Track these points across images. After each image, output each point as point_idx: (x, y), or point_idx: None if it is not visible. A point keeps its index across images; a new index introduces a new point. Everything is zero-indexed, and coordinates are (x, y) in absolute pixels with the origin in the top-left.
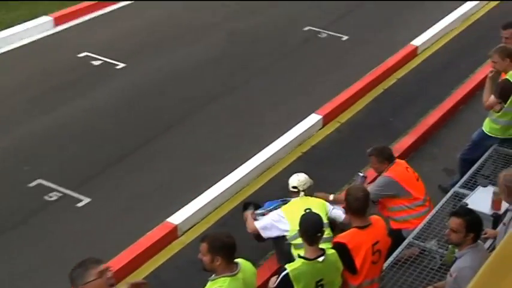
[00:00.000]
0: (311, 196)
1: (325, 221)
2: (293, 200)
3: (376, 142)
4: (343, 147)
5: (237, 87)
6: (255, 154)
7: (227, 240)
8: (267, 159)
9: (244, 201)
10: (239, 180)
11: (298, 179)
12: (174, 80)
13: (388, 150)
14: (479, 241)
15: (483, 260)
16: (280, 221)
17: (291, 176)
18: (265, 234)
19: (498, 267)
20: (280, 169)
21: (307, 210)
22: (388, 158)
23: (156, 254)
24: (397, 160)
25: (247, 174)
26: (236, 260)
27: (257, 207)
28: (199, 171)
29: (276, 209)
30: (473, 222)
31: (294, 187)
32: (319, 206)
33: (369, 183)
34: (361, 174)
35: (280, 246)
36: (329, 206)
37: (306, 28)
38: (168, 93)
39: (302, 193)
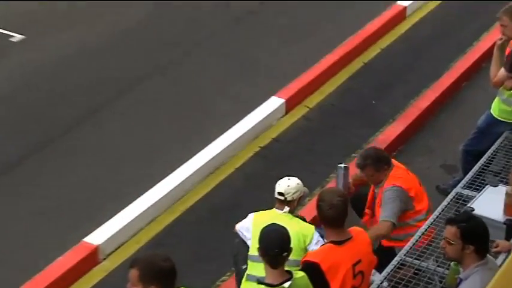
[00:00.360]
0: (300, 218)
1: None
2: (272, 211)
3: (355, 132)
4: (313, 139)
5: (169, 66)
6: (198, 151)
7: (164, 265)
8: (214, 157)
9: None
10: (179, 185)
11: (287, 184)
12: (87, 57)
13: (383, 152)
14: (489, 257)
15: None
16: (247, 230)
17: (246, 178)
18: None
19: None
20: (231, 169)
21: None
22: (387, 162)
23: (71, 285)
24: (394, 162)
25: (189, 177)
26: None
27: None
28: (124, 175)
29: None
30: (470, 231)
31: (280, 193)
32: (300, 231)
33: (354, 186)
34: (342, 166)
35: (238, 272)
36: (315, 238)
37: None
38: (79, 74)
39: (287, 209)
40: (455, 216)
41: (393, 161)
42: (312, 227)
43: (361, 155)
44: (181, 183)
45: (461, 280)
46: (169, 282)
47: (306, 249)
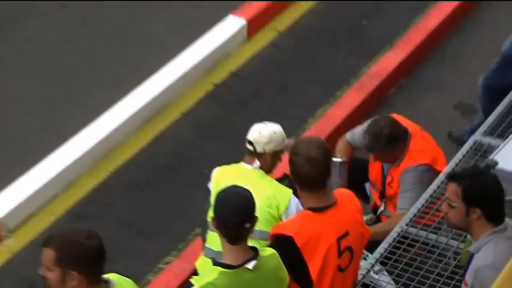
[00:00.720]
0: (273, 179)
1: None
2: (239, 166)
3: (340, 62)
4: (284, 73)
5: None
6: (131, 91)
7: (88, 244)
8: (153, 99)
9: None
10: (105, 137)
11: (259, 131)
12: None
13: (399, 126)
14: (508, 221)
15: None
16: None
17: (195, 126)
18: None
19: None
20: (176, 115)
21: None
22: (404, 139)
23: None
24: (412, 127)
25: (119, 126)
26: (106, 276)
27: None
28: (32, 127)
29: None
30: (475, 189)
31: (249, 142)
32: (273, 194)
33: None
34: (339, 160)
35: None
36: (292, 202)
37: None
38: None
39: (257, 164)
40: (459, 171)
41: (413, 126)
42: (289, 191)
43: (370, 131)
44: (109, 134)
45: (472, 255)
46: (96, 266)
47: (279, 219)
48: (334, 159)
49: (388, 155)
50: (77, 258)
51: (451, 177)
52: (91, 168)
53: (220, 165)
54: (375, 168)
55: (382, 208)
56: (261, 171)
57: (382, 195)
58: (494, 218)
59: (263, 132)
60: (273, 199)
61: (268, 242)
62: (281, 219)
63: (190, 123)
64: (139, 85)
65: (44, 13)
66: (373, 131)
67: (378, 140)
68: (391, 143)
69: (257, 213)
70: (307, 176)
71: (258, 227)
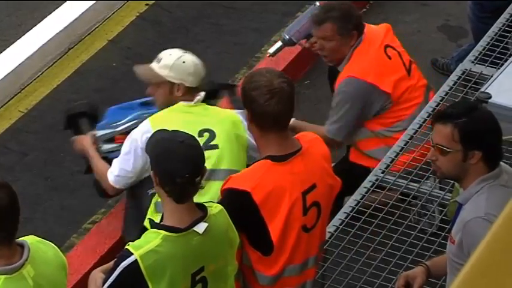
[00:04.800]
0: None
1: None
2: (175, 107)
3: None
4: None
5: None
6: (47, 15)
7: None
8: (72, 23)
9: (67, 113)
10: (15, 69)
11: (194, 63)
12: None
13: (355, 10)
14: (504, 166)
15: None
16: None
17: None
18: (122, 181)
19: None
20: (103, 42)
21: (205, 134)
22: (357, 27)
23: None
24: (368, 28)
25: (33, 54)
26: (20, 240)
27: (94, 119)
28: None
29: (135, 121)
30: (475, 128)
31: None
32: (228, 123)
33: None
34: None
35: (137, 202)
36: (245, 124)
37: None
38: None
39: (201, 95)
40: (448, 109)
41: (369, 27)
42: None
43: (323, 5)
44: (20, 67)
45: (460, 206)
46: (8, 225)
47: (247, 142)
48: (316, 2)
49: (335, 43)
50: None
51: (441, 117)
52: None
53: None
54: None
55: None
56: (204, 104)
57: None
58: (493, 160)
59: (196, 62)
60: (239, 123)
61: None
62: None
63: (117, 51)
64: (58, 7)
65: None
66: (325, 3)
67: (327, 11)
68: (342, 20)
69: (232, 147)
70: (273, 111)
71: (227, 165)
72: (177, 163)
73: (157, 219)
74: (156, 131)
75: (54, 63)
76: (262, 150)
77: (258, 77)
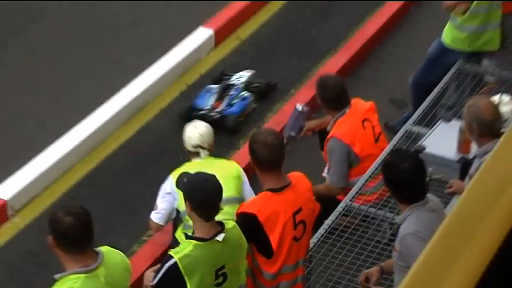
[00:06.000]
0: (217, 157)
1: (233, 194)
2: (191, 163)
3: (293, 65)
4: None
5: None
6: (117, 90)
7: (66, 221)
8: (136, 97)
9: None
10: (96, 130)
11: (198, 133)
12: None
13: (339, 82)
14: (431, 197)
15: (437, 223)
16: (169, 193)
17: (172, 119)
18: (159, 218)
19: (451, 236)
20: (156, 110)
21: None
22: (338, 102)
23: None
24: (354, 101)
25: (108, 120)
26: (97, 249)
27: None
28: (33, 121)
29: None
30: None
31: (197, 146)
32: (230, 172)
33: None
34: (300, 107)
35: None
36: (244, 175)
37: None
38: None
39: (206, 152)
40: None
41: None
42: (234, 162)
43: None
44: (99, 127)
45: (399, 225)
46: (82, 239)
47: (242, 184)
48: (297, 105)
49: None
50: (63, 232)
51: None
52: (85, 156)
53: None
54: None
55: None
56: (211, 157)
57: None
58: (409, 200)
59: (202, 132)
60: (238, 169)
61: (237, 206)
62: (242, 183)
63: (167, 117)
64: (125, 86)
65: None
66: (323, 78)
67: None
68: (321, 90)
69: (230, 183)
70: (267, 158)
71: (231, 194)
72: (206, 194)
73: (189, 233)
74: (183, 173)
75: (123, 125)
76: (263, 184)
77: (258, 134)
